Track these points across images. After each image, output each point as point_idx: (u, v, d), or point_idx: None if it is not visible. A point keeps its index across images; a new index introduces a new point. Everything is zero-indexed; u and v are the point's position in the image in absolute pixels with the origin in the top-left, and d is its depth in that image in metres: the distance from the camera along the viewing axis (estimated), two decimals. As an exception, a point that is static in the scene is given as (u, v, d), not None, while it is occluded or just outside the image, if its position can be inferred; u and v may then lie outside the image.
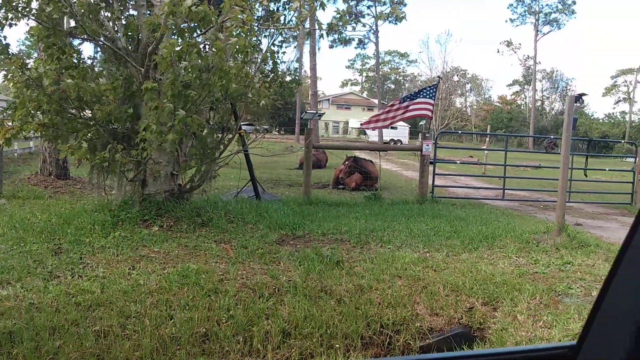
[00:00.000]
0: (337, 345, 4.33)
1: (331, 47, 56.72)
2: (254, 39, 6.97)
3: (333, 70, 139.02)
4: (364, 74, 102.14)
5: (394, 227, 7.99)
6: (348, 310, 4.76)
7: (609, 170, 16.78)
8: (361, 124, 18.61)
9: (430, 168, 12.16)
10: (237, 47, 6.10)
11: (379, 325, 4.71)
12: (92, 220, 6.96)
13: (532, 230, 8.13)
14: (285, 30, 7.54)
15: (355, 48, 70.14)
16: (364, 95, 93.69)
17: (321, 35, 7.38)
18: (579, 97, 7.63)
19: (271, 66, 8.29)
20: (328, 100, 79.33)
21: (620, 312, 1.09)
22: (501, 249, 6.96)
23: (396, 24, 56.83)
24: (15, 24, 7.62)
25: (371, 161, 16.13)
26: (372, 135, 58.48)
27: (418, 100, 11.87)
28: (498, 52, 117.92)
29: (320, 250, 6.32)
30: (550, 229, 7.81)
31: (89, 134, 6.99)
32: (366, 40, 63.65)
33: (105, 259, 5.67)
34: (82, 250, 5.91)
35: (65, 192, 10.51)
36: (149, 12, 7.51)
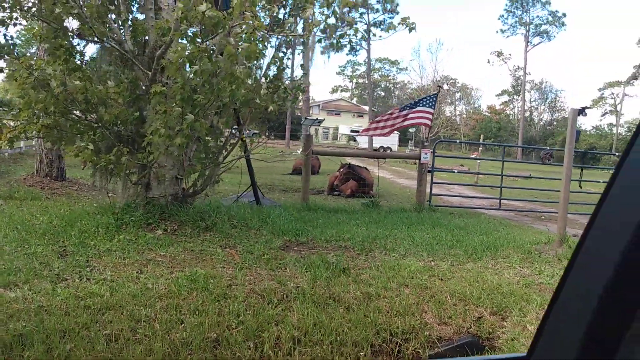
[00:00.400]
0: (348, 353, 4.33)
1: (322, 53, 56.94)
2: (262, 45, 6.97)
3: (323, 76, 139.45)
4: (354, 80, 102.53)
5: (396, 235, 8.02)
6: (357, 318, 4.76)
7: (603, 182, 16.95)
8: (361, 131, 18.67)
9: (427, 177, 12.23)
10: (248, 52, 6.11)
11: (388, 334, 4.72)
12: (95, 222, 6.92)
13: (533, 240, 8.20)
14: (294, 37, 7.56)
15: (347, 54, 70.56)
16: (354, 101, 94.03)
17: (332, 44, 7.43)
18: (582, 110, 7.72)
19: (275, 72, 8.30)
20: (318, 106, 79.52)
21: (568, 322, 1.11)
22: (505, 259, 7.01)
23: (388, 31, 57.10)
24: (20, 24, 7.60)
25: (366, 168, 16.19)
26: (362, 142, 58.65)
27: (418, 109, 11.96)
28: (489, 62, 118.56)
29: (325, 257, 6.33)
30: (551, 240, 7.89)
31: (94, 137, 6.95)
32: (358, 47, 64.01)
33: (112, 262, 5.63)
34: (88, 252, 5.87)
35: (62, 194, 10.43)
36: (156, 15, 7.49)
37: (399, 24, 7.84)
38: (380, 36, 61.12)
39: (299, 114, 48.59)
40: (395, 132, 15.85)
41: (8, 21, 7.14)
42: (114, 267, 5.51)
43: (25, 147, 19.44)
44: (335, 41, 7.28)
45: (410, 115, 12.04)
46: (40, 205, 8.73)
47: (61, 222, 7.09)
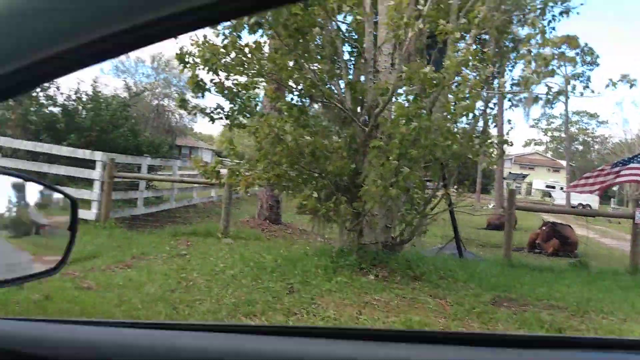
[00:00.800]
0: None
1: (515, 106, 55.33)
2: (475, 101, 7.24)
3: (515, 129, 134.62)
4: (549, 133, 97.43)
5: (612, 298, 7.55)
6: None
7: None
8: (568, 187, 17.84)
9: None
10: (465, 110, 6.42)
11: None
12: (314, 264, 7.57)
13: None
14: (507, 94, 7.73)
15: (542, 107, 67.69)
16: (549, 155, 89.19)
17: (547, 100, 7.46)
18: None
19: (482, 127, 8.48)
20: (510, 159, 76.66)
21: None
22: None
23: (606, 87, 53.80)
24: (258, 87, 8.76)
25: (569, 226, 15.39)
26: (558, 199, 55.08)
27: (631, 165, 11.21)
28: None
29: (539, 315, 6.22)
30: None
31: (316, 186, 7.69)
32: (554, 100, 61.13)
33: (334, 301, 6.14)
34: (312, 291, 6.46)
35: (279, 236, 11.51)
36: (374, 77, 8.15)
37: (618, 80, 7.60)
38: (599, 93, 57.85)
39: (490, 168, 47.42)
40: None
41: (250, 85, 8.32)
42: (336, 306, 6.00)
43: (239, 193, 21.63)
44: (551, 97, 7.31)
45: (623, 172, 11.31)
46: (263, 245, 9.75)
47: (284, 261, 7.87)
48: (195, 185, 16.21)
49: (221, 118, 8.07)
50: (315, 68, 7.81)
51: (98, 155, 11.24)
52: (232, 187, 9.49)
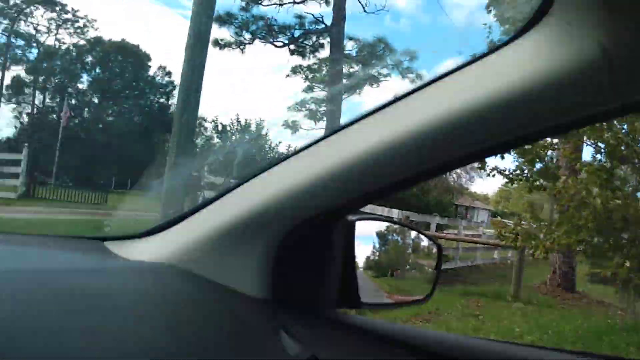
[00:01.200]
0: None
1: None
2: None
3: None
4: None
5: None
6: None
7: None
8: None
9: None
10: None
11: None
12: (622, 339, 6.93)
13: None
14: None
15: None
16: None
17: None
18: None
19: None
20: None
21: None
22: None
23: None
24: (557, 148, 8.55)
25: None
26: None
27: None
28: None
29: None
30: None
31: (629, 254, 7.09)
32: None
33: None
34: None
35: (573, 306, 10.77)
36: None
37: None
38: None
39: None
40: None
41: (550, 147, 8.15)
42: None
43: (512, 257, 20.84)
44: None
45: None
46: (557, 313, 9.23)
47: (587, 333, 7.35)
48: (479, 245, 16.20)
49: (521, 180, 8.04)
50: (626, 125, 7.37)
51: (394, 213, 12.09)
52: (524, 250, 9.26)
